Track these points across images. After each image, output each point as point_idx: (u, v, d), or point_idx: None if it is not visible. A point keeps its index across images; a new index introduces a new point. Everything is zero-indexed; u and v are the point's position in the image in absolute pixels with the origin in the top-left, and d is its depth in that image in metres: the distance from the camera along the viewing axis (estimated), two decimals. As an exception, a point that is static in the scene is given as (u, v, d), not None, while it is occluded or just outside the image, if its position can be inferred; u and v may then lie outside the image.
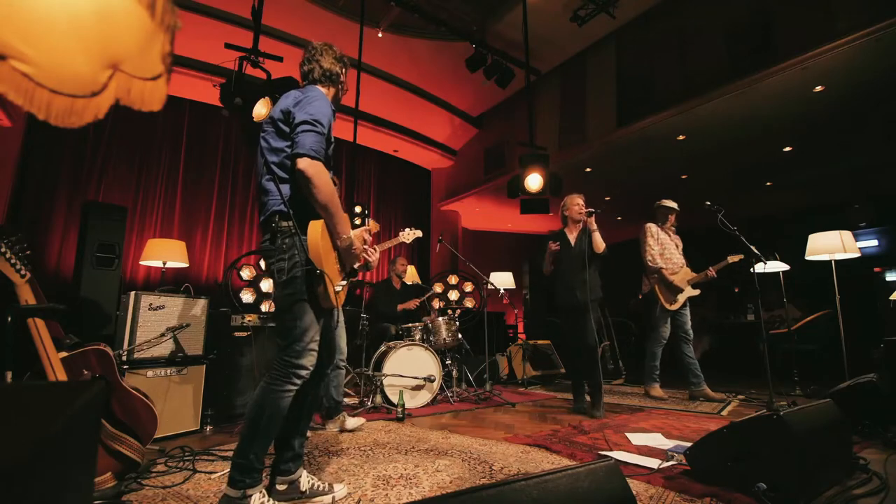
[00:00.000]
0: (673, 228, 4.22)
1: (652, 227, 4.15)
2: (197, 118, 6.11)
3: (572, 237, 3.48)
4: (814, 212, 7.35)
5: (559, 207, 3.65)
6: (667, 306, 4.00)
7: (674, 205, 4.19)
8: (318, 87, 1.72)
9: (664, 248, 4.09)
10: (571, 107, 6.54)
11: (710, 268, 3.97)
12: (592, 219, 3.30)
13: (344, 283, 1.63)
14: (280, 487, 1.64)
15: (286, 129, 1.57)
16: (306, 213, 1.54)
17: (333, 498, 1.65)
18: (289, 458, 1.66)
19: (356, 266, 2.79)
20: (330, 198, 1.51)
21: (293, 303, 1.53)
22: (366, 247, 2.65)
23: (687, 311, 4.06)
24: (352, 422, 2.73)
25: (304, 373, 1.54)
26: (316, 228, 1.52)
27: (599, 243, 3.31)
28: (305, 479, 1.68)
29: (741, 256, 3.88)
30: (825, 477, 1.69)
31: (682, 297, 4.00)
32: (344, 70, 1.79)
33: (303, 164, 1.46)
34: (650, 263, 4.05)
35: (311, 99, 1.58)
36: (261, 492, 1.47)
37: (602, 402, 3.32)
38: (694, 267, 4.12)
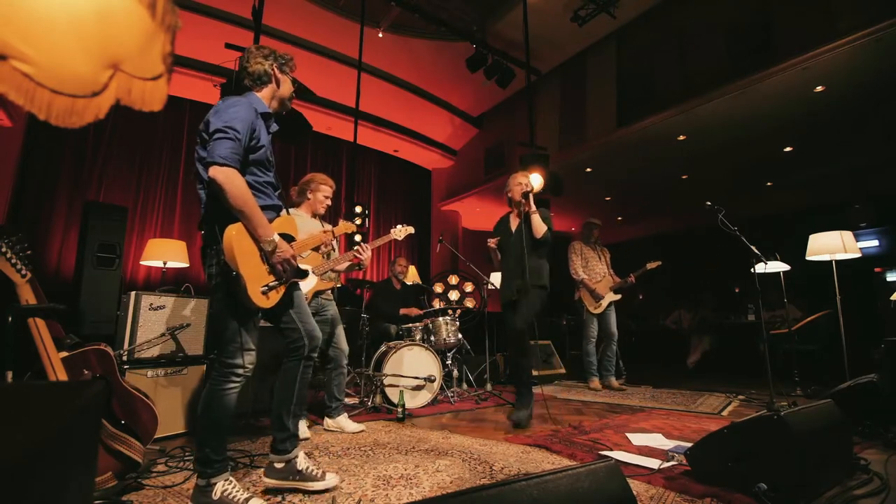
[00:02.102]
0: (598, 242, 4.83)
1: (576, 245, 4.76)
2: (197, 118, 6.09)
3: (514, 223, 3.14)
4: (814, 212, 7.36)
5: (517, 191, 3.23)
6: (591, 310, 4.60)
7: (597, 221, 4.86)
8: (254, 92, 1.77)
9: (587, 260, 4.70)
10: (571, 107, 6.54)
11: (631, 274, 4.54)
12: (530, 200, 2.94)
13: (275, 283, 1.64)
14: (278, 465, 1.72)
15: (208, 138, 1.61)
16: (226, 219, 1.56)
17: (325, 487, 1.70)
18: (285, 438, 1.75)
19: (341, 267, 2.79)
20: (243, 202, 1.53)
21: (219, 307, 1.64)
22: (360, 246, 2.65)
23: (612, 314, 4.62)
24: (352, 426, 2.73)
25: (240, 371, 1.63)
26: (230, 232, 1.54)
27: (538, 227, 2.94)
28: (302, 460, 1.75)
29: (659, 263, 4.53)
30: (826, 477, 1.69)
31: (604, 302, 4.59)
32: (276, 64, 1.77)
33: (212, 171, 1.50)
34: (573, 276, 4.66)
35: (228, 106, 1.61)
36: (226, 479, 1.59)
37: (528, 404, 2.91)
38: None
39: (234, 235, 1.54)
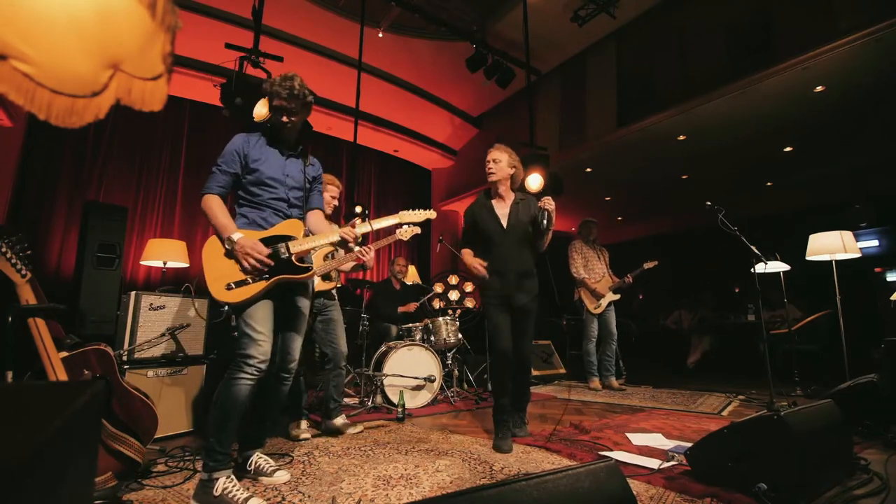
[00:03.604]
0: (597, 241, 4.82)
1: (577, 244, 4.73)
2: (197, 118, 6.11)
3: (500, 209, 2.53)
4: (814, 212, 7.35)
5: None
6: (592, 310, 4.58)
7: (594, 220, 4.87)
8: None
9: (587, 260, 4.68)
10: (571, 107, 6.54)
11: (628, 275, 4.54)
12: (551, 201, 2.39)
13: (247, 279, 1.73)
14: (239, 459, 1.92)
15: None
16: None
17: (273, 483, 1.80)
18: (248, 446, 1.93)
19: (346, 267, 2.78)
20: (208, 215, 1.81)
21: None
22: (365, 248, 2.65)
23: (612, 314, 4.61)
24: (349, 428, 2.72)
25: (251, 361, 1.69)
26: (206, 245, 1.79)
27: (546, 242, 2.55)
28: (254, 459, 1.89)
29: (656, 263, 4.51)
30: (826, 477, 1.69)
31: (604, 302, 4.59)
32: (271, 96, 1.86)
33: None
34: (575, 275, 4.64)
35: None
36: (227, 476, 1.62)
37: (510, 428, 2.49)
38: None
39: (207, 243, 1.79)
